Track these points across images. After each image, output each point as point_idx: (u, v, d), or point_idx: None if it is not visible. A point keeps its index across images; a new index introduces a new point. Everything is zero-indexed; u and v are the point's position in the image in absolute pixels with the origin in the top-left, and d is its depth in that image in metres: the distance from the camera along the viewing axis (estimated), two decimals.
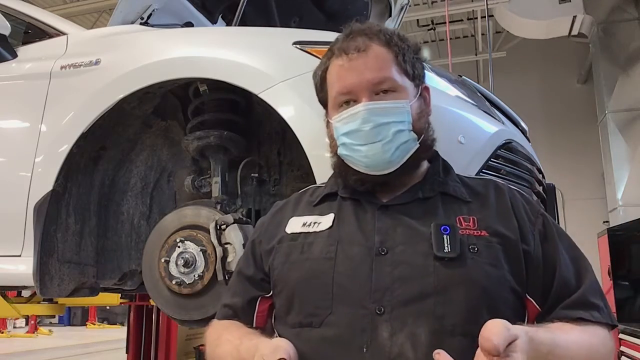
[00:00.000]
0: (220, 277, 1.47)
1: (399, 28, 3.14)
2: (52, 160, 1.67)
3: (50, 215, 1.66)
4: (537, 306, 0.87)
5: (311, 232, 0.94)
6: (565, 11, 7.78)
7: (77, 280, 1.78)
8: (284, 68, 1.48)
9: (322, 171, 1.32)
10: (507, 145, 1.51)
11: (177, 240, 1.54)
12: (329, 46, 1.01)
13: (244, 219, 1.57)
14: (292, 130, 1.41)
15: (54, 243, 1.69)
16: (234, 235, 1.50)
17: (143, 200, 1.93)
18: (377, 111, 0.92)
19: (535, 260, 0.87)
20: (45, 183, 1.65)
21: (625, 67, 7.64)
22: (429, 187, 0.95)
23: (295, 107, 1.43)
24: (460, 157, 1.30)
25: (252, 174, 1.74)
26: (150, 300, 3.62)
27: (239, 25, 2.41)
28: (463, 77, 1.66)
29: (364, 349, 0.79)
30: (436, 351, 0.72)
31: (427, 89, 1.02)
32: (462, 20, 9.24)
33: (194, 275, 1.51)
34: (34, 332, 9.49)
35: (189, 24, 2.47)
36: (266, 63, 1.51)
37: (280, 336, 0.90)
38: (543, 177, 1.75)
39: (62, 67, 1.79)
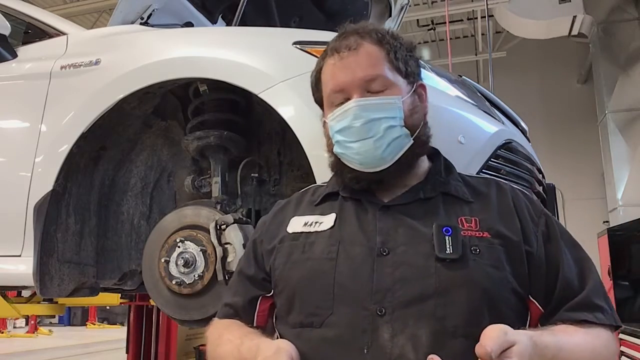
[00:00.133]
0: (220, 277, 1.47)
1: (399, 28, 3.14)
2: (52, 160, 1.67)
3: (50, 215, 1.66)
4: (540, 307, 0.87)
5: (312, 232, 0.94)
6: (565, 11, 7.78)
7: (77, 280, 1.78)
8: (284, 68, 1.48)
9: (322, 171, 1.32)
10: (507, 145, 1.51)
11: (177, 240, 1.54)
12: None
13: (244, 219, 1.57)
14: (292, 130, 1.41)
15: (54, 243, 1.69)
16: (234, 235, 1.50)
17: (143, 200, 1.93)
18: (368, 107, 0.92)
19: (538, 261, 0.87)
20: (45, 183, 1.65)
21: (625, 67, 7.64)
22: (431, 187, 0.95)
23: (295, 107, 1.43)
24: (460, 157, 1.30)
25: (252, 174, 1.74)
26: (150, 300, 3.61)
27: (239, 25, 2.41)
28: (463, 77, 1.66)
29: (365, 350, 0.79)
30: (430, 356, 0.72)
31: (423, 86, 1.02)
32: (462, 20, 9.24)
33: (194, 275, 1.51)
34: (34, 332, 9.48)
35: (189, 24, 2.47)
36: (266, 63, 1.51)
37: (281, 336, 0.90)
38: (543, 177, 1.75)
39: (62, 67, 1.79)
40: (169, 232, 1.59)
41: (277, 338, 0.91)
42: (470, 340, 0.74)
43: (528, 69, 9.91)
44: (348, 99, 0.94)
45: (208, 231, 1.51)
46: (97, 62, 1.73)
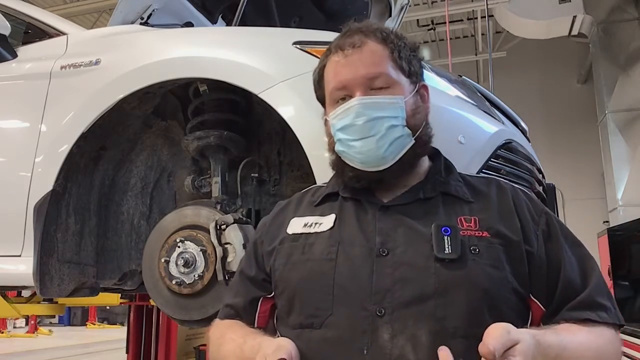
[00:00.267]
0: (220, 277, 1.47)
1: (399, 28, 3.14)
2: (52, 160, 1.67)
3: (50, 215, 1.66)
4: (542, 307, 0.86)
5: (312, 233, 0.94)
6: (565, 11, 7.78)
7: (77, 280, 1.78)
8: (284, 68, 1.48)
9: (322, 171, 1.32)
10: (507, 145, 1.51)
11: (177, 240, 1.54)
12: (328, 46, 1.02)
13: (244, 219, 1.57)
14: (292, 130, 1.41)
15: (54, 243, 1.69)
16: (234, 235, 1.50)
17: (143, 200, 1.93)
18: (371, 105, 0.92)
19: (539, 260, 0.87)
20: (45, 183, 1.65)
21: (625, 67, 7.64)
22: (431, 187, 0.95)
23: (295, 107, 1.43)
24: (460, 157, 1.30)
25: (252, 174, 1.74)
26: (150, 300, 3.61)
27: (239, 25, 2.41)
28: (463, 77, 1.66)
29: (365, 351, 0.79)
30: (440, 348, 0.72)
31: (425, 87, 1.02)
32: (462, 20, 9.24)
33: (194, 275, 1.51)
34: (34, 332, 9.48)
35: (189, 24, 2.47)
36: (266, 63, 1.51)
37: (281, 337, 0.90)
38: (543, 177, 1.75)
39: (62, 67, 1.79)
40: (169, 232, 1.59)
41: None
42: (470, 340, 0.74)
43: (528, 69, 9.90)
44: (350, 97, 0.94)
45: (208, 231, 1.51)
46: (97, 62, 1.73)
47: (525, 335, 0.70)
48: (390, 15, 2.93)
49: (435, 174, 0.98)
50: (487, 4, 5.85)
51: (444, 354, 0.71)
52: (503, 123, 1.59)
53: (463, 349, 0.75)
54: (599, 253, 5.19)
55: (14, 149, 1.78)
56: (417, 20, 9.12)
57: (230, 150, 1.70)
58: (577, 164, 9.06)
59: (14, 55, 1.96)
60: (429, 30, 9.36)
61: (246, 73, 1.50)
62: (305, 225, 0.96)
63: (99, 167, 1.82)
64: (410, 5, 3.07)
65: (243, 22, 2.48)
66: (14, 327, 10.81)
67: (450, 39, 6.67)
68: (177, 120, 1.90)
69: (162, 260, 1.55)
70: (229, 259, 1.49)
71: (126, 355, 4.63)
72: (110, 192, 1.88)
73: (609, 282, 4.52)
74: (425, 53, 10.23)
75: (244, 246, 1.47)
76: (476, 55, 9.39)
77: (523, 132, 1.80)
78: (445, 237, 0.84)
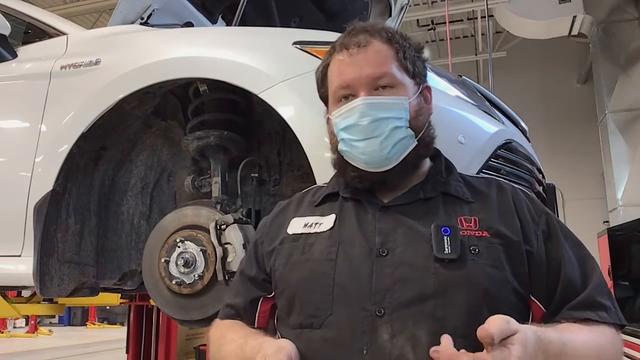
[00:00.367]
0: (220, 277, 1.47)
1: (399, 28, 3.14)
2: (52, 160, 1.67)
3: (50, 215, 1.66)
4: (542, 307, 0.86)
5: (312, 233, 0.94)
6: (565, 11, 7.79)
7: (77, 280, 1.78)
8: (284, 68, 1.48)
9: (322, 171, 1.32)
10: (507, 145, 1.51)
11: (177, 240, 1.54)
12: (329, 46, 1.02)
13: (244, 219, 1.57)
14: (292, 130, 1.41)
15: (54, 243, 1.69)
16: (234, 235, 1.50)
17: (143, 200, 1.93)
18: (375, 106, 0.92)
19: (539, 260, 0.87)
20: (45, 183, 1.65)
21: (625, 67, 7.64)
22: (431, 187, 0.95)
23: (295, 107, 1.43)
24: (460, 157, 1.29)
25: (252, 174, 1.74)
26: (150, 300, 3.61)
27: (239, 25, 2.41)
28: (463, 77, 1.66)
29: (364, 351, 0.79)
30: (443, 336, 0.72)
31: (428, 88, 1.02)
32: (462, 20, 9.25)
33: (194, 275, 1.51)
34: (34, 332, 9.48)
35: (189, 24, 2.48)
36: (266, 63, 1.51)
37: (281, 337, 0.90)
38: (543, 177, 1.75)
39: (62, 67, 1.79)
40: (169, 232, 1.59)
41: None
42: (469, 340, 0.73)
43: (528, 69, 9.91)
44: (354, 96, 0.93)
45: (208, 231, 1.51)
46: (97, 62, 1.73)
47: (525, 328, 0.70)
48: (390, 15, 2.93)
49: (435, 174, 0.98)
50: (487, 4, 5.85)
51: (446, 341, 0.71)
52: (503, 123, 1.59)
53: (463, 349, 0.75)
54: (599, 253, 5.19)
55: (14, 149, 1.78)
56: (417, 20, 9.13)
57: (230, 150, 1.70)
58: (577, 164, 9.07)
59: (14, 55, 1.96)
60: (429, 30, 9.36)
61: (246, 73, 1.50)
62: (305, 225, 0.96)
63: (99, 167, 1.82)
64: (410, 5, 3.07)
65: (243, 22, 2.48)
66: (14, 327, 10.81)
67: (450, 39, 6.67)
68: (177, 120, 1.90)
69: (162, 260, 1.55)
70: (229, 259, 1.49)
71: (126, 355, 4.63)
72: (110, 192, 1.88)
73: (609, 282, 4.52)
74: (426, 53, 10.21)
75: (244, 246, 1.47)
76: (476, 55, 9.39)
77: (523, 132, 1.80)
78: (445, 237, 0.84)
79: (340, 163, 0.98)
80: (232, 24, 2.45)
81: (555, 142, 9.09)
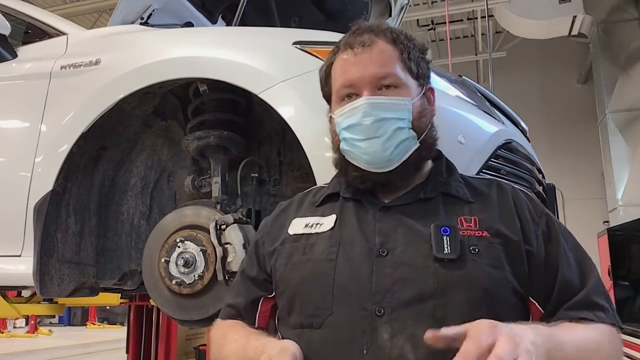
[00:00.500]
0: (220, 277, 1.47)
1: (399, 28, 3.13)
2: (52, 160, 1.67)
3: (50, 215, 1.66)
4: (540, 308, 0.86)
5: (313, 234, 0.94)
6: (565, 11, 7.78)
7: (77, 280, 1.78)
8: (284, 68, 1.48)
9: (322, 171, 1.32)
10: (507, 145, 1.51)
11: (177, 240, 1.54)
12: (329, 46, 1.02)
13: (244, 219, 1.57)
14: (292, 130, 1.41)
15: (54, 243, 1.69)
16: (234, 235, 1.50)
17: (143, 200, 1.93)
18: (378, 106, 0.92)
19: (538, 260, 0.87)
20: (45, 183, 1.65)
21: (625, 67, 7.64)
22: (431, 187, 0.95)
23: (295, 107, 1.43)
24: (460, 157, 1.29)
25: (252, 174, 1.74)
26: (150, 300, 3.61)
27: (239, 25, 2.41)
28: (463, 77, 1.66)
29: (364, 351, 0.79)
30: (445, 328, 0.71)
31: (432, 90, 1.02)
32: (462, 20, 9.24)
33: (194, 275, 1.51)
34: (34, 332, 9.48)
35: (189, 24, 2.48)
36: (266, 63, 1.51)
37: (282, 337, 0.90)
38: (543, 177, 1.75)
39: (62, 67, 1.79)
40: (169, 232, 1.59)
41: (280, 339, 0.91)
42: None
43: (528, 69, 9.91)
44: (357, 96, 0.93)
45: (208, 231, 1.51)
46: (97, 62, 1.73)
47: (514, 326, 0.70)
48: (390, 15, 2.93)
49: (436, 174, 0.98)
50: (487, 4, 5.84)
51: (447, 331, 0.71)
52: (503, 123, 1.59)
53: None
54: (599, 253, 5.19)
55: (14, 149, 1.78)
56: (417, 20, 9.12)
57: (230, 150, 1.70)
58: (577, 164, 9.06)
59: (14, 55, 1.96)
60: (429, 30, 9.36)
61: (246, 73, 1.50)
62: (306, 225, 0.96)
63: (99, 167, 1.82)
64: (410, 5, 3.07)
65: (243, 22, 2.48)
66: (14, 327, 10.81)
67: (450, 39, 6.67)
68: (177, 120, 1.90)
69: (162, 260, 1.55)
70: (229, 259, 1.49)
71: (126, 355, 4.63)
72: (110, 192, 1.88)
73: (609, 283, 4.53)
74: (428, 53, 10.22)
75: (244, 246, 1.47)
76: (476, 55, 9.39)
77: (523, 132, 1.80)
78: (445, 237, 0.84)
79: (342, 163, 0.98)
80: (232, 24, 2.46)
81: (555, 142, 9.09)
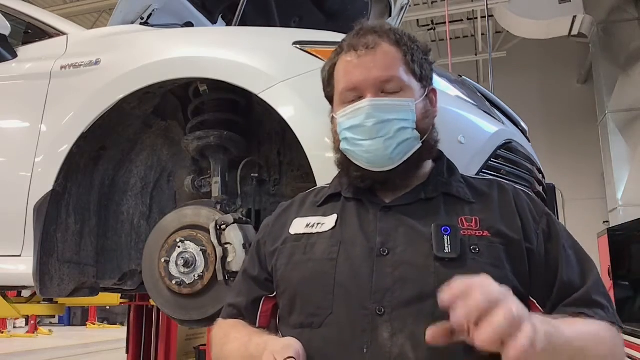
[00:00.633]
0: (220, 277, 1.47)
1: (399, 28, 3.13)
2: (52, 160, 1.67)
3: (50, 215, 1.66)
4: (540, 307, 0.86)
5: (314, 233, 0.94)
6: (565, 11, 7.79)
7: (77, 280, 1.78)
8: (284, 68, 1.48)
9: (322, 171, 1.32)
10: (507, 145, 1.51)
11: (177, 240, 1.54)
12: (329, 46, 1.02)
13: (244, 219, 1.57)
14: (292, 130, 1.41)
15: (54, 243, 1.69)
16: (234, 235, 1.50)
17: (143, 200, 1.93)
18: (382, 108, 0.92)
19: (539, 259, 0.87)
20: (45, 183, 1.65)
21: (625, 67, 7.64)
22: (432, 187, 0.95)
23: (295, 107, 1.43)
24: (460, 157, 1.29)
25: (252, 174, 1.74)
26: (150, 300, 3.62)
27: (239, 25, 2.41)
28: (463, 77, 1.66)
29: (365, 350, 0.79)
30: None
31: (434, 91, 1.02)
32: (462, 20, 9.24)
33: (194, 275, 1.51)
34: (34, 332, 9.49)
35: (189, 24, 2.48)
36: (266, 63, 1.51)
37: (283, 337, 0.90)
38: (543, 177, 1.75)
39: (62, 67, 1.79)
40: (169, 232, 1.59)
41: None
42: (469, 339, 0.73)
43: (528, 69, 9.91)
44: (360, 97, 0.93)
45: (208, 231, 1.51)
46: (97, 62, 1.73)
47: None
48: (390, 15, 2.93)
49: (437, 175, 0.98)
50: (487, 4, 5.84)
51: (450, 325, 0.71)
52: (503, 123, 1.59)
53: (462, 349, 0.75)
54: (599, 253, 5.19)
55: (14, 149, 1.78)
56: (417, 20, 9.13)
57: (230, 150, 1.70)
58: (577, 164, 9.06)
59: (14, 55, 1.96)
60: (429, 30, 9.36)
61: (246, 73, 1.50)
62: (307, 225, 0.96)
63: (99, 167, 1.82)
64: (410, 5, 3.07)
65: (243, 22, 2.48)
66: (14, 327, 10.81)
67: (450, 39, 6.67)
68: (177, 120, 1.90)
69: (162, 260, 1.55)
70: (229, 259, 1.49)
71: (126, 355, 4.63)
72: (110, 192, 1.88)
73: (609, 282, 4.52)
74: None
75: (244, 246, 1.47)
76: (476, 55, 9.39)
77: (523, 132, 1.80)
78: (445, 237, 0.84)
79: (344, 162, 0.99)
80: (232, 24, 2.46)
81: (555, 142, 9.09)
